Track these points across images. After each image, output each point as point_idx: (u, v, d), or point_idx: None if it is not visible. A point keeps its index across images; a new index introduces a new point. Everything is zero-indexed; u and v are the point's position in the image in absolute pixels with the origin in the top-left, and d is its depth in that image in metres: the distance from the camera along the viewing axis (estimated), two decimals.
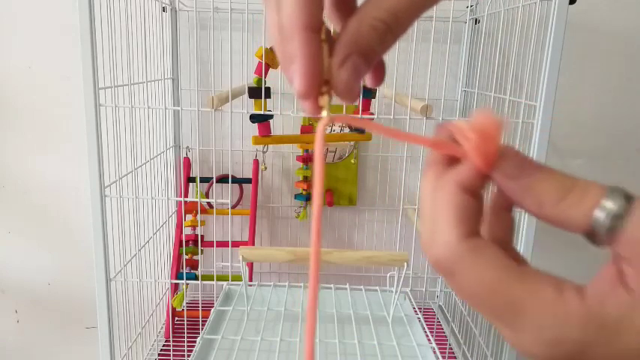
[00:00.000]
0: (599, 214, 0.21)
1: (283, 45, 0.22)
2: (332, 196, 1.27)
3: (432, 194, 0.24)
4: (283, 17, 0.22)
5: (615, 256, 0.21)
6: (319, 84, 0.23)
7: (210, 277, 1.02)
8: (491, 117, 0.23)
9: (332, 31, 0.25)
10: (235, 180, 1.21)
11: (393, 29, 0.23)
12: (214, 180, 0.99)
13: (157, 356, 1.12)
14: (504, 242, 0.25)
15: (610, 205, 0.21)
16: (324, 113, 0.24)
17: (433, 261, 0.23)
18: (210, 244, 1.06)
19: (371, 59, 0.23)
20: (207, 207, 1.20)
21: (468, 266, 0.21)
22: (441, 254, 0.22)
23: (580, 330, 0.20)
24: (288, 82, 0.24)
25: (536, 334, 0.20)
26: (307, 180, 1.23)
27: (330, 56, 0.23)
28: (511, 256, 0.23)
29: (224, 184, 1.23)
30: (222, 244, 1.04)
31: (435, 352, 0.78)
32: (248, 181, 1.21)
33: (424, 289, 1.07)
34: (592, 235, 0.21)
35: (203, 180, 1.20)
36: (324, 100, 0.23)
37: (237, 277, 1.04)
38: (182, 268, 1.11)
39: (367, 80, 0.28)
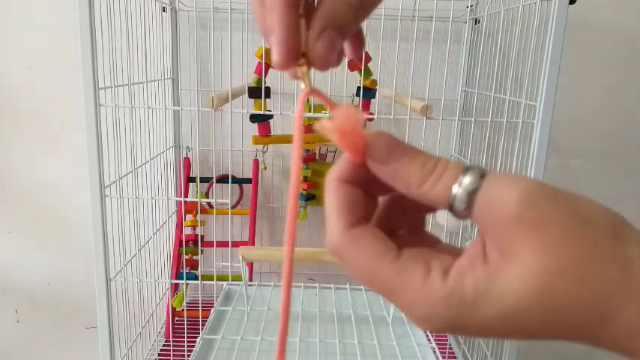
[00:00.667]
0: (455, 190, 0.23)
1: (264, 17, 0.24)
2: None
3: (325, 190, 0.26)
4: None
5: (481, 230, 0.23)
6: (296, 56, 0.24)
7: (210, 277, 1.02)
8: (349, 112, 0.24)
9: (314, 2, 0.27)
10: (235, 180, 1.21)
11: (365, 5, 0.25)
12: (214, 180, 0.99)
13: (156, 356, 1.12)
14: (393, 225, 0.27)
15: (465, 181, 0.22)
16: (303, 85, 0.25)
17: (328, 249, 0.25)
18: (210, 244, 1.06)
19: (346, 32, 0.25)
20: (207, 207, 1.20)
21: (349, 254, 0.24)
22: (330, 244, 0.25)
23: (444, 307, 0.22)
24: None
25: (410, 311, 0.23)
26: (307, 180, 1.23)
27: (308, 30, 0.24)
28: (415, 239, 0.27)
29: (224, 184, 1.23)
30: (222, 244, 1.04)
31: (435, 352, 0.78)
32: (248, 181, 1.21)
33: None
34: (454, 210, 0.23)
35: (203, 180, 1.20)
36: (302, 72, 0.25)
37: (237, 277, 1.04)
38: (182, 268, 1.11)
39: (347, 51, 0.30)
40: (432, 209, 0.27)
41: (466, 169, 0.23)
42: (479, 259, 0.22)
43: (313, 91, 0.25)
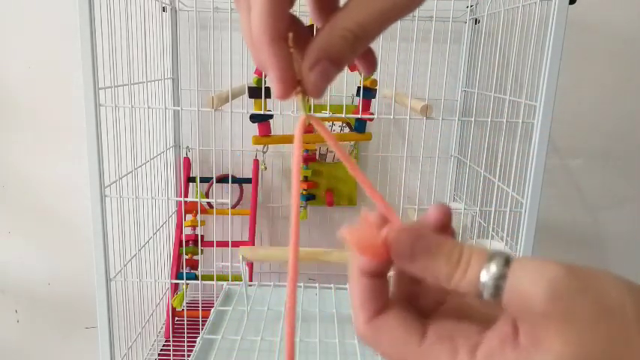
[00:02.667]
0: (484, 280, 0.23)
1: (256, 53, 0.25)
2: (332, 196, 1.27)
3: (348, 279, 0.27)
4: (252, 29, 0.24)
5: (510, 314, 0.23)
6: (293, 86, 0.25)
7: (210, 277, 1.02)
8: (364, 225, 0.26)
9: (312, 26, 0.26)
10: (235, 180, 1.21)
11: (361, 39, 0.25)
12: (214, 180, 0.98)
13: (156, 356, 1.12)
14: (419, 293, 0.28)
15: (491, 270, 0.23)
16: (301, 113, 0.26)
17: (358, 335, 0.26)
18: (210, 244, 1.06)
19: (341, 64, 0.25)
20: (207, 207, 1.20)
21: (375, 344, 0.25)
22: (358, 333, 0.26)
23: None
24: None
25: None
26: (307, 180, 1.23)
27: (302, 58, 0.25)
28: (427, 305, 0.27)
29: (224, 184, 1.23)
30: (222, 244, 1.04)
31: None
32: (248, 181, 1.21)
33: None
34: (484, 300, 0.23)
35: (203, 180, 1.20)
36: (299, 99, 0.25)
37: (237, 277, 1.04)
38: (182, 268, 1.11)
39: (361, 69, 0.30)
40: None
41: (491, 257, 0.23)
42: (509, 342, 0.22)
43: (310, 118, 0.26)
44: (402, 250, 0.25)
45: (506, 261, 0.22)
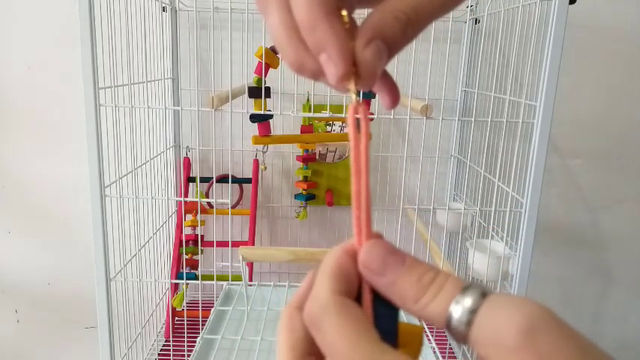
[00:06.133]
0: (453, 310, 0.21)
1: (310, 34, 0.23)
2: (332, 196, 1.27)
3: (327, 255, 0.25)
4: (301, 10, 0.23)
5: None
6: (352, 65, 0.23)
7: (210, 277, 1.02)
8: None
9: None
10: (235, 180, 1.21)
11: (413, 23, 0.24)
12: (214, 180, 0.98)
13: (157, 356, 1.12)
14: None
15: (464, 300, 0.21)
16: (354, 96, 0.24)
17: (305, 314, 0.23)
18: (210, 244, 1.06)
19: (392, 47, 0.24)
20: (207, 207, 1.20)
21: (332, 320, 0.21)
22: (316, 304, 0.22)
23: None
24: (308, 77, 0.25)
25: None
26: (307, 180, 1.23)
27: (353, 41, 0.24)
28: None
29: (224, 184, 1.23)
30: (222, 244, 1.04)
31: (434, 352, 0.78)
32: (248, 181, 1.21)
33: None
34: (450, 330, 0.21)
35: (203, 180, 1.20)
36: (351, 84, 0.24)
37: (237, 277, 1.04)
38: (182, 268, 1.11)
39: (383, 100, 0.29)
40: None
41: (466, 288, 0.21)
42: None
43: (360, 105, 0.25)
44: (371, 263, 0.23)
45: (483, 294, 0.21)
